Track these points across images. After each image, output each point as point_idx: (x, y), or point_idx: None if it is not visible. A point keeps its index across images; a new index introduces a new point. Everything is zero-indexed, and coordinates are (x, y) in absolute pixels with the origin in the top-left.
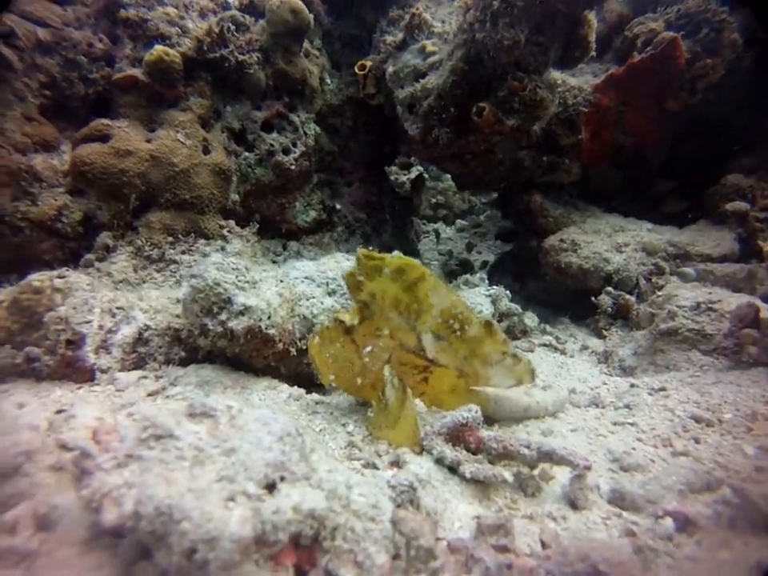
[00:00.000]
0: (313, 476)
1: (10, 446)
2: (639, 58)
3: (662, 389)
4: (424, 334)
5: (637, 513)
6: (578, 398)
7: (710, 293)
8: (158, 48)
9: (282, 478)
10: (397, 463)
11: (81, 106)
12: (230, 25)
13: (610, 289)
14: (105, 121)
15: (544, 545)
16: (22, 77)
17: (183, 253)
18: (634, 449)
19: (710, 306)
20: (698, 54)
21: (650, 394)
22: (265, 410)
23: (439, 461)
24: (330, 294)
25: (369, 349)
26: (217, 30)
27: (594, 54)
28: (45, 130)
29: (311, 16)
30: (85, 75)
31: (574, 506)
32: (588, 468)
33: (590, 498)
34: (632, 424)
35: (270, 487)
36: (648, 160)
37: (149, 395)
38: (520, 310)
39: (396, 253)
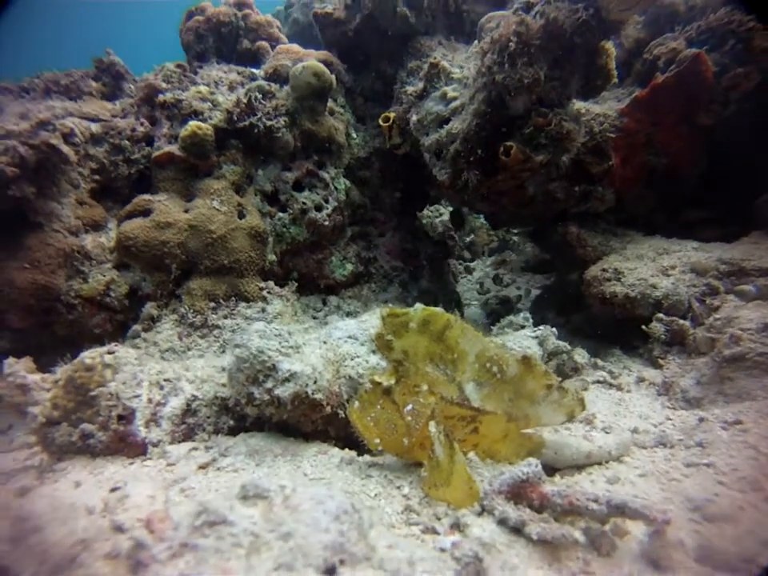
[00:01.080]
0: (373, 556)
1: (67, 536)
2: (663, 78)
3: (738, 422)
4: (465, 384)
5: (732, 574)
6: (643, 437)
7: None
8: (192, 124)
9: (342, 561)
10: (457, 526)
11: (125, 185)
12: (258, 94)
13: (661, 315)
14: (146, 196)
15: None
16: (77, 167)
17: (225, 317)
18: (716, 494)
19: None
20: (726, 66)
21: (723, 428)
22: (319, 488)
23: (502, 522)
24: (374, 352)
25: (410, 407)
26: (245, 101)
27: (616, 80)
28: (95, 212)
29: (333, 76)
30: (128, 157)
31: (656, 566)
32: (667, 522)
33: (674, 557)
34: (708, 465)
35: (330, 571)
36: (684, 179)
37: (200, 468)
38: (569, 347)
39: (418, 305)
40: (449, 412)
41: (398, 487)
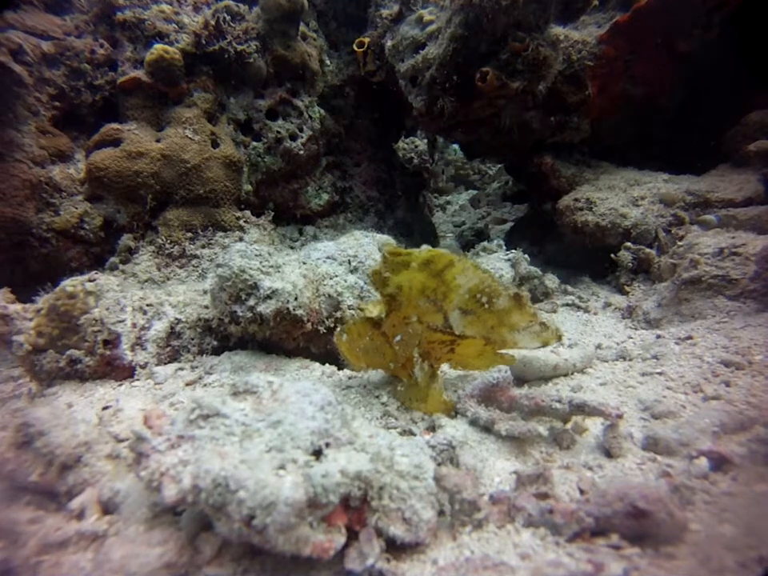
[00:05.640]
0: (356, 441)
1: (70, 438)
2: (646, 0)
3: (689, 337)
4: (451, 312)
5: (671, 456)
6: (605, 352)
7: (732, 237)
8: (158, 47)
9: (328, 444)
10: (433, 428)
11: (89, 113)
12: (226, 15)
13: (629, 244)
14: (114, 125)
15: (582, 492)
16: (33, 92)
17: (203, 247)
18: (664, 397)
19: (733, 250)
20: None
21: (676, 343)
22: (305, 383)
23: (474, 422)
24: (352, 272)
25: (399, 338)
26: (213, 23)
27: (596, 3)
28: (59, 141)
29: None
30: (90, 82)
31: (608, 454)
32: (620, 416)
33: (624, 446)
34: (660, 373)
35: (317, 453)
36: (661, 109)
37: (187, 385)
38: (540, 273)
39: (425, 247)
40: (431, 338)
41: (377, 396)
